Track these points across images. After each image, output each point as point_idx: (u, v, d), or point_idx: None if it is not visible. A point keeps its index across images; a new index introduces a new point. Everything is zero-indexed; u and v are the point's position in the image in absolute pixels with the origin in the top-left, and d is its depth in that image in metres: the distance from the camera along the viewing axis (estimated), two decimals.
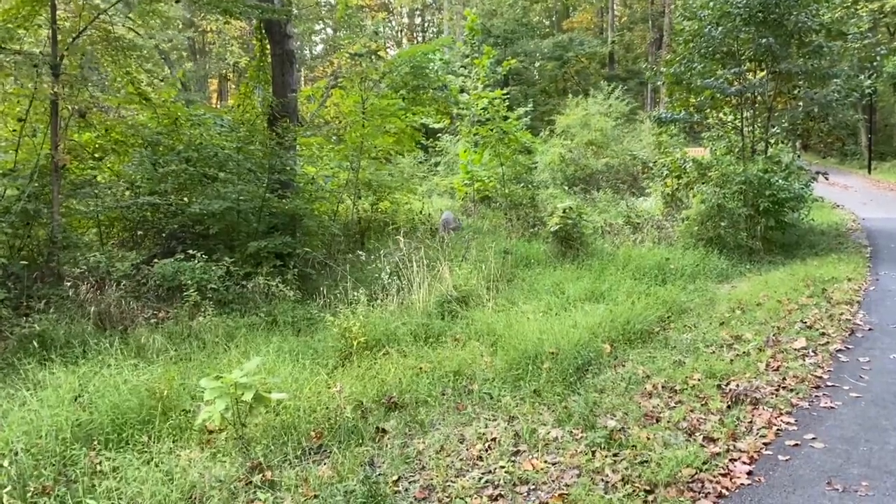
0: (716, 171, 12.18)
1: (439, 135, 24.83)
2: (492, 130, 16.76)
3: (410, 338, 6.95)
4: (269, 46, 12.13)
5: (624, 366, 5.82)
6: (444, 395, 5.30)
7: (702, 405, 4.78)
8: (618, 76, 37.65)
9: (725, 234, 11.41)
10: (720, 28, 12.87)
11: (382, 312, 7.60)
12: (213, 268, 8.73)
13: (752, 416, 4.57)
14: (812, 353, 6.01)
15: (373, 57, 16.86)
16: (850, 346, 6.38)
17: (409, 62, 15.57)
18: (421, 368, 5.82)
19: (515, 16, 38.65)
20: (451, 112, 18.85)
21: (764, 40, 12.27)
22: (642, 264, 9.99)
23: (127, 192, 9.95)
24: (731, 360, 5.75)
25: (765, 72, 13.72)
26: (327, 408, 4.90)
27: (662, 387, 5.17)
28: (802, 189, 12.36)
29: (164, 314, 8.67)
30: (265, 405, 4.17)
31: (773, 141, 14.42)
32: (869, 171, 27.26)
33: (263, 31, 12.04)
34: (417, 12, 53.05)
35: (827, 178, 14.78)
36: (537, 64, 40.09)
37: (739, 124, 13.63)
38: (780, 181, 11.66)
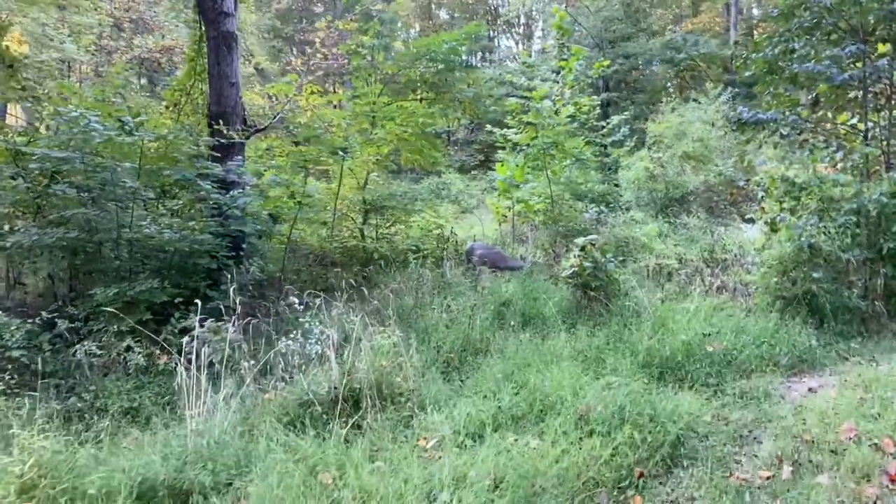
0: (811, 195, 8.17)
1: (520, 148, 21.73)
2: (534, 138, 13.49)
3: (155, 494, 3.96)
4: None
5: None
6: None
7: None
8: (742, 81, 32.57)
9: (820, 291, 7.41)
10: None
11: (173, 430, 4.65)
12: (14, 326, 6.15)
13: None
14: None
15: (386, 48, 13.99)
16: None
17: (426, 55, 12.56)
18: None
19: (621, 14, 34.34)
20: (533, 122, 15.68)
21: None
22: (669, 342, 6.38)
23: None
24: None
25: None
26: None
27: None
28: None
29: None
30: None
31: None
32: None
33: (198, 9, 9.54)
34: (535, 16, 49.62)
35: None
36: (650, 67, 35.74)
37: (863, 127, 9.48)
38: None
